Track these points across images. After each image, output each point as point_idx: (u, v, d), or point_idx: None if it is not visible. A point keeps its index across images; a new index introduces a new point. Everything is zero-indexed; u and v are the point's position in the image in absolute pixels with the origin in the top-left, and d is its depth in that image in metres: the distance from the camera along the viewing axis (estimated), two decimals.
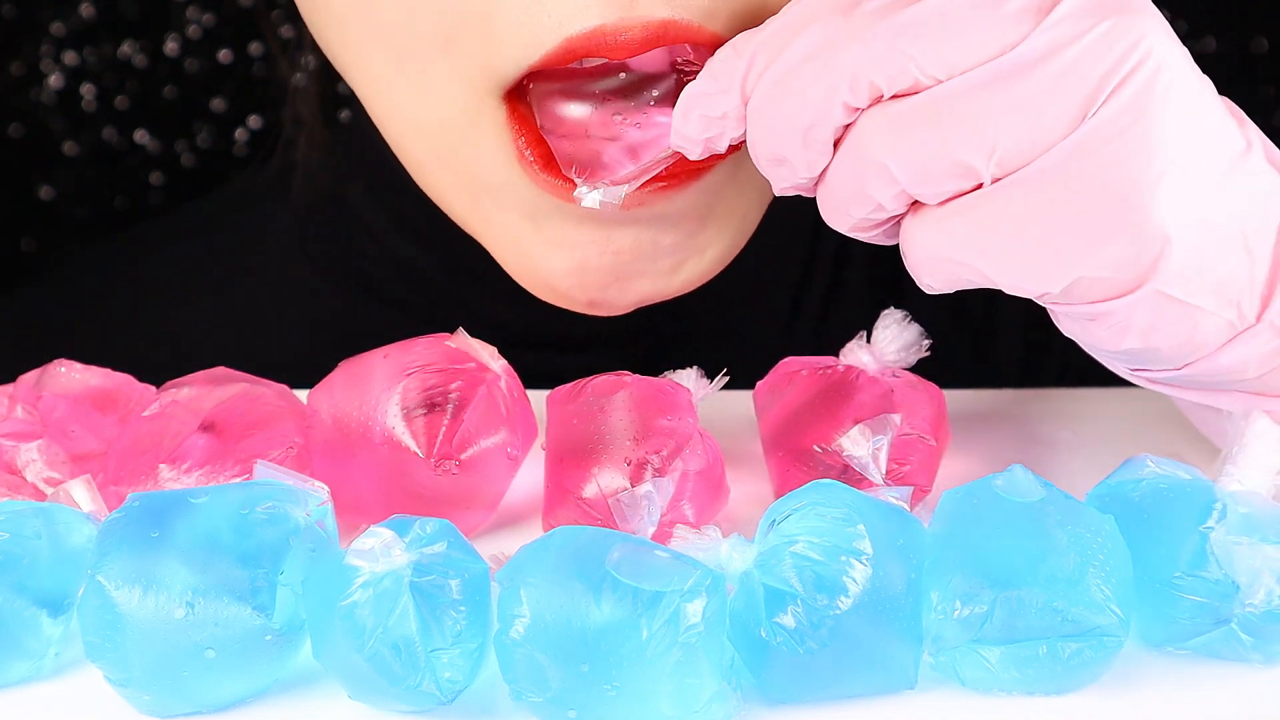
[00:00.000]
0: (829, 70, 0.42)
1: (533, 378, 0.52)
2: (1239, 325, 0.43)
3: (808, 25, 0.43)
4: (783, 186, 0.45)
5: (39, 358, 0.51)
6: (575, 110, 0.47)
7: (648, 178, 0.47)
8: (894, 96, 0.42)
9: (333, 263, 0.69)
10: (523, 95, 0.48)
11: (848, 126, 0.43)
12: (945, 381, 0.50)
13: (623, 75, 0.47)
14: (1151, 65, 0.41)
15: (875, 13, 0.42)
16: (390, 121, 0.52)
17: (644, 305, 0.52)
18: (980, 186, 0.42)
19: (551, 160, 0.48)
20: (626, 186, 0.47)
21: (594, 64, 0.47)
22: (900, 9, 0.42)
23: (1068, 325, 0.44)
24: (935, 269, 0.43)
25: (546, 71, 0.47)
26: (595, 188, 0.47)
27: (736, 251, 0.53)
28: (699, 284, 0.52)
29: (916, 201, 0.43)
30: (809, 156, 0.43)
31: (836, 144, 0.43)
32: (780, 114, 0.43)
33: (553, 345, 0.64)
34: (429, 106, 0.49)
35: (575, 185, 0.47)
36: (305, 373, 0.50)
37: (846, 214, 0.44)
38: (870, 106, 0.42)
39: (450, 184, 0.51)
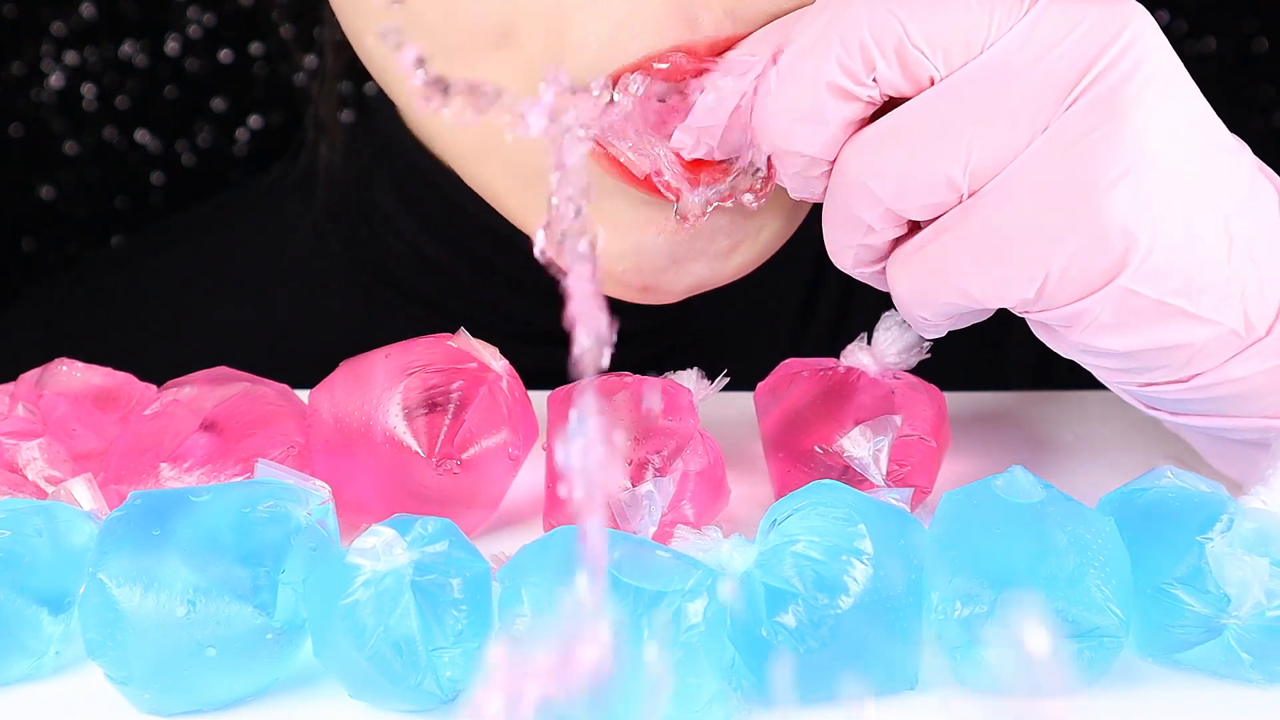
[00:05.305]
0: (825, 41, 0.42)
1: (551, 374, 0.52)
2: (1245, 336, 0.42)
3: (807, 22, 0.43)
4: (794, 186, 0.45)
5: (57, 355, 0.51)
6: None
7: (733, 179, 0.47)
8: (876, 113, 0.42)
9: (354, 260, 0.69)
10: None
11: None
12: (954, 384, 0.50)
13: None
14: (1131, 59, 0.40)
15: None
16: (431, 117, 0.50)
17: (696, 293, 0.51)
18: (962, 199, 0.42)
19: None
20: (717, 190, 0.47)
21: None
22: None
23: (1055, 341, 0.44)
24: (923, 300, 0.44)
25: None
26: (697, 192, 0.47)
27: (787, 237, 0.52)
28: (751, 269, 0.52)
29: (900, 238, 0.44)
30: (818, 138, 0.43)
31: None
32: (780, 101, 0.43)
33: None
34: None
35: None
36: (323, 370, 0.50)
37: (844, 244, 0.45)
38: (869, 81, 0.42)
39: (499, 173, 0.51)
